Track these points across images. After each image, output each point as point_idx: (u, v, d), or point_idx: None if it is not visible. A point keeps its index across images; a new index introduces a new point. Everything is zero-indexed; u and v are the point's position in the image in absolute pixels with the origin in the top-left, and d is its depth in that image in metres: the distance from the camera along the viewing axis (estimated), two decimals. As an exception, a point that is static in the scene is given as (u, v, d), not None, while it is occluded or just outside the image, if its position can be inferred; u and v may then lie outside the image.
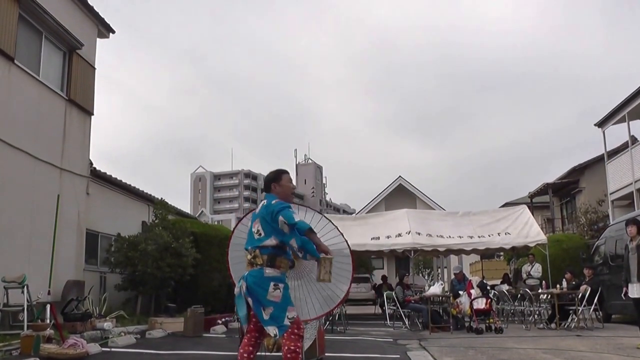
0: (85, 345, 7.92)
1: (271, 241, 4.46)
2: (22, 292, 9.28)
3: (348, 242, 6.68)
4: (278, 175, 4.77)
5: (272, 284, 4.37)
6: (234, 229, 6.55)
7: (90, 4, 13.60)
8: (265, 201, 4.63)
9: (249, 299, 4.41)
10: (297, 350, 4.32)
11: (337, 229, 6.65)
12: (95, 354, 8.01)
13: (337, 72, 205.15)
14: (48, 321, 9.16)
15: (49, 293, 10.36)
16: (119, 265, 13.72)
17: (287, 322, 4.32)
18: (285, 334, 4.32)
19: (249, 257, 4.52)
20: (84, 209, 13.09)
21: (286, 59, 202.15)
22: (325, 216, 7.01)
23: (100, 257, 14.77)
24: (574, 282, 12.94)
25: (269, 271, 4.41)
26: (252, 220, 4.68)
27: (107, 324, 10.40)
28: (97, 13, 13.96)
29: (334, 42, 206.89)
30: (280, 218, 4.37)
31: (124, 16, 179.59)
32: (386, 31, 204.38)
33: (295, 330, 4.36)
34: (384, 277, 20.71)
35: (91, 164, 13.71)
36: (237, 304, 4.54)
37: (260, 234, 4.49)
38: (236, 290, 4.56)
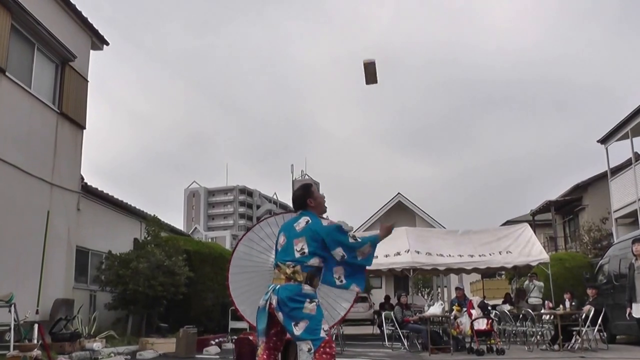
0: (73, 366, 7.86)
1: (315, 261, 4.50)
2: (9, 310, 9.19)
3: None
4: (308, 190, 4.85)
5: (308, 299, 4.39)
6: (234, 249, 6.54)
7: (85, 15, 13.66)
8: (307, 219, 4.65)
9: (279, 314, 4.38)
10: None
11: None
12: (84, 376, 7.96)
13: (336, 86, 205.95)
14: (35, 341, 9.09)
15: (37, 312, 10.27)
16: (109, 283, 13.66)
17: (323, 334, 4.29)
18: (316, 354, 4.26)
19: (288, 271, 4.49)
20: (74, 226, 13.05)
21: (284, 73, 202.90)
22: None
23: (90, 275, 14.70)
24: (572, 303, 12.92)
25: (307, 288, 4.43)
26: (288, 235, 4.66)
27: (96, 345, 10.34)
28: (91, 25, 14.02)
29: (333, 55, 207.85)
30: (338, 251, 4.49)
31: (118, 27, 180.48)
32: (387, 44, 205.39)
33: (328, 350, 4.29)
34: (387, 297, 20.57)
35: (82, 179, 13.70)
36: (258, 317, 4.55)
37: (304, 252, 4.51)
38: (261, 303, 4.55)
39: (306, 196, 4.81)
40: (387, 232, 4.72)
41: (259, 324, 4.54)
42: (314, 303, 4.38)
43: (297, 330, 4.28)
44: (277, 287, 4.45)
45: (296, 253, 4.51)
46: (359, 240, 4.55)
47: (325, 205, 4.92)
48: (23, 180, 11.24)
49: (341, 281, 4.64)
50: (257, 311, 4.57)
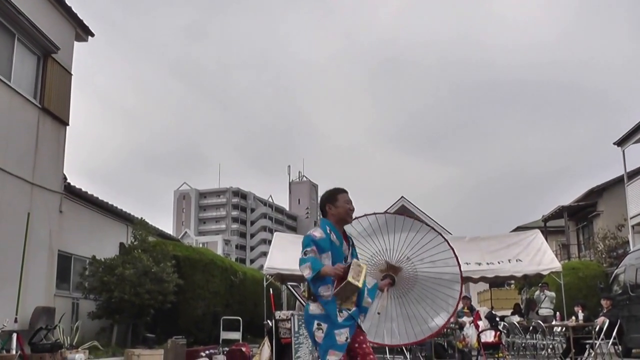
0: (54, 378, 7.85)
1: None
2: (-14, 319, 9.20)
3: (460, 266, 6.62)
4: (333, 195, 4.70)
5: (315, 322, 4.36)
6: None
7: (68, 4, 13.64)
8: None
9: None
10: None
11: (452, 250, 6.55)
12: (65, 389, 7.94)
13: (337, 84, 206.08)
14: (14, 352, 9.09)
15: (15, 321, 10.28)
16: (93, 290, 13.65)
17: None
18: None
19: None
20: (56, 229, 13.03)
21: (281, 69, 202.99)
22: (442, 235, 6.98)
23: (73, 282, 14.69)
24: (582, 315, 12.88)
25: (312, 308, 4.41)
26: None
27: (79, 356, 10.33)
28: (76, 14, 14.01)
29: (335, 52, 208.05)
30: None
31: (105, 18, 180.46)
32: (394, 42, 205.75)
33: None
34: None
35: (65, 179, 13.69)
36: None
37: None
38: None
39: (327, 201, 4.70)
40: (334, 272, 4.33)
41: None
42: (321, 329, 4.33)
43: (318, 354, 4.39)
44: None
45: None
46: (304, 257, 4.38)
47: (350, 218, 4.73)
48: (2, 180, 11.21)
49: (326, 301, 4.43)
50: None
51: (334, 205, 4.64)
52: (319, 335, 4.32)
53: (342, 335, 4.31)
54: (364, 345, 4.46)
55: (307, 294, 4.48)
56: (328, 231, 4.51)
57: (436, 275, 6.30)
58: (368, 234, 6.45)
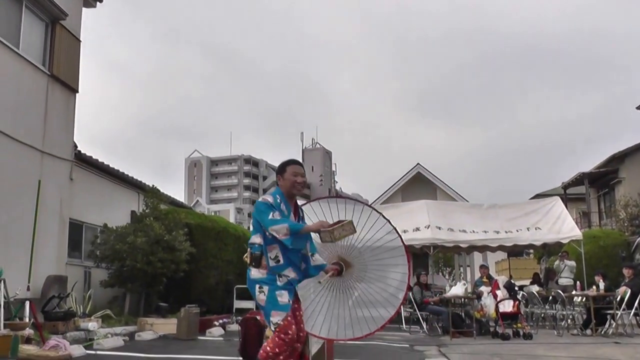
0: (67, 347, 7.96)
1: (257, 238, 4.64)
2: (-1, 287, 9.31)
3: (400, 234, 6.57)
4: (283, 167, 4.89)
5: (257, 286, 4.58)
6: None
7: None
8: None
9: None
10: (271, 353, 4.45)
11: (383, 216, 6.48)
12: (78, 357, 8.06)
13: (351, 46, 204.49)
14: (27, 320, 9.21)
15: (28, 289, 10.38)
16: (105, 259, 13.77)
17: (272, 327, 4.50)
18: (272, 336, 4.53)
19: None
20: (67, 197, 13.12)
21: (294, 32, 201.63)
22: (367, 204, 6.98)
23: (84, 250, 14.83)
24: (603, 284, 12.79)
25: (253, 272, 4.62)
26: None
27: (91, 324, 10.45)
28: (83, -21, 13.93)
29: (350, 13, 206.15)
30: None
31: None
32: (415, 8, 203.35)
33: (282, 335, 4.48)
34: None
35: (75, 146, 13.73)
36: None
37: (250, 230, 4.71)
38: None
39: (277, 173, 4.92)
40: (317, 228, 4.58)
41: None
42: (263, 292, 4.54)
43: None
44: None
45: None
46: (275, 219, 4.51)
47: (299, 189, 4.86)
48: (11, 148, 11.27)
49: (278, 261, 4.62)
50: None
51: (282, 177, 4.85)
52: (262, 298, 4.56)
53: (284, 297, 4.56)
54: (297, 314, 4.72)
55: (248, 260, 4.60)
56: (278, 200, 4.68)
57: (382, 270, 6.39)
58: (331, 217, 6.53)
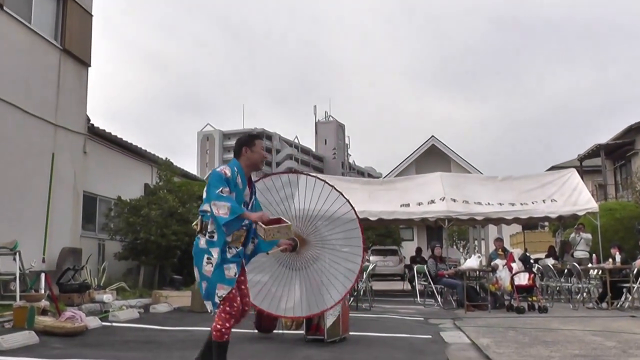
0: (84, 318, 8.04)
1: (208, 207, 4.58)
2: (14, 259, 9.41)
3: (353, 206, 6.93)
4: (252, 140, 4.87)
5: (205, 256, 4.53)
6: None
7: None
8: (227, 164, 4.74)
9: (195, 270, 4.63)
10: (223, 330, 4.47)
11: (335, 189, 6.82)
12: (94, 329, 8.14)
13: (365, 19, 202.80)
14: (43, 291, 9.31)
15: (43, 261, 10.50)
16: (119, 232, 13.86)
17: (216, 299, 4.48)
18: (217, 311, 4.50)
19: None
20: (80, 169, 13.19)
21: (309, 4, 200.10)
22: (318, 177, 7.29)
23: (98, 223, 14.94)
24: (620, 257, 12.72)
25: (203, 242, 4.58)
26: None
27: (106, 297, 10.55)
28: (94, -49, 13.84)
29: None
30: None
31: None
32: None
33: (227, 309, 4.49)
34: (418, 250, 20.64)
35: (88, 120, 13.77)
36: None
37: (202, 197, 4.66)
38: None
39: (245, 144, 4.85)
40: (256, 219, 4.57)
41: None
42: (210, 264, 4.50)
43: (203, 290, 4.56)
44: None
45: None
46: (221, 195, 4.49)
47: (262, 165, 4.97)
48: (25, 121, 11.33)
49: (211, 237, 4.58)
50: None
51: (251, 150, 4.82)
52: (208, 270, 4.51)
53: (231, 270, 4.55)
54: (243, 287, 4.73)
55: (198, 227, 4.57)
56: (236, 172, 4.67)
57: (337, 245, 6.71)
58: (286, 196, 6.70)
